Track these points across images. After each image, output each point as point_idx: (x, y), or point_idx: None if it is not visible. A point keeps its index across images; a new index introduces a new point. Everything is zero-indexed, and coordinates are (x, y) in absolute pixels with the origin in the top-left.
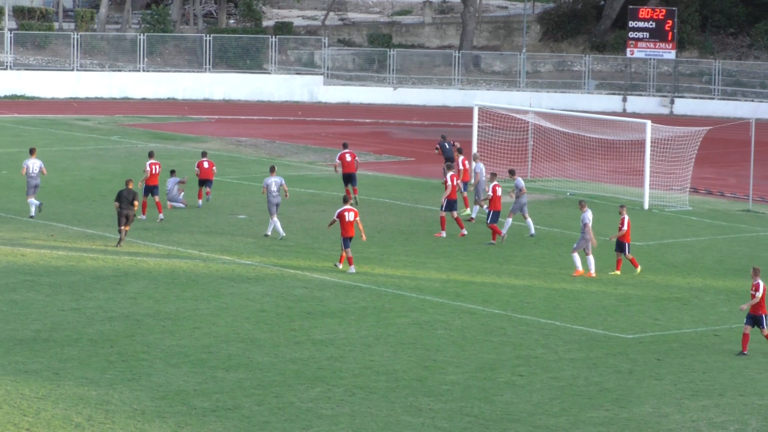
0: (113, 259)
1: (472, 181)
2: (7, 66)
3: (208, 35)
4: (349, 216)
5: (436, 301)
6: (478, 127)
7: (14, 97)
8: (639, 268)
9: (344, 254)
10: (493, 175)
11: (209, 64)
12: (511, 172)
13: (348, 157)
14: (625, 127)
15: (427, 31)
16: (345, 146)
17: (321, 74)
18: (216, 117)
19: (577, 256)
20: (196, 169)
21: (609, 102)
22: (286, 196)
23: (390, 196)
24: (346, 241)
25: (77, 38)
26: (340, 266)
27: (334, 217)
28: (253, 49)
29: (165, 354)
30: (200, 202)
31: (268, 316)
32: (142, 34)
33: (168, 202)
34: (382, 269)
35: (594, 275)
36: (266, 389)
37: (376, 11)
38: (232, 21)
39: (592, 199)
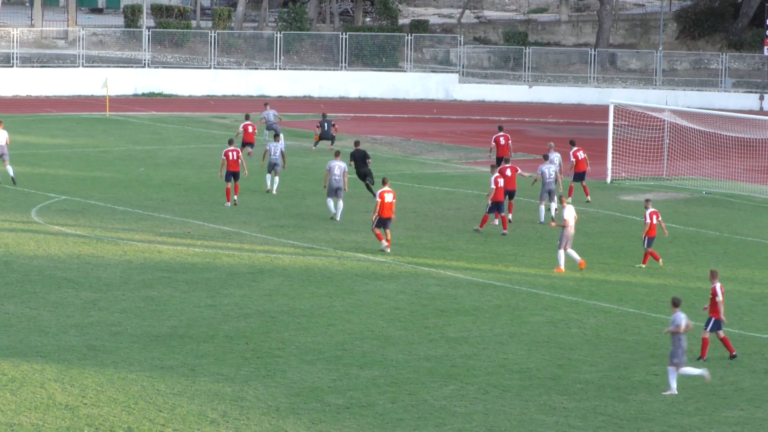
0: (249, 256)
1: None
2: (144, 64)
3: (344, 33)
4: (388, 197)
5: (570, 300)
6: (614, 125)
7: (152, 94)
8: (661, 261)
9: (380, 234)
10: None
11: (345, 62)
12: (545, 157)
13: (502, 141)
14: (762, 126)
15: (563, 29)
16: (500, 129)
17: (456, 72)
18: (351, 115)
19: (561, 253)
20: (240, 130)
21: (745, 100)
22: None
23: (524, 194)
24: (383, 221)
25: (214, 36)
26: (386, 247)
27: (377, 200)
28: (389, 47)
29: (300, 351)
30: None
31: (402, 314)
32: (278, 33)
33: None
34: (516, 267)
35: (563, 270)
36: (400, 387)
37: (512, 9)
38: (368, 19)
39: (728, 198)
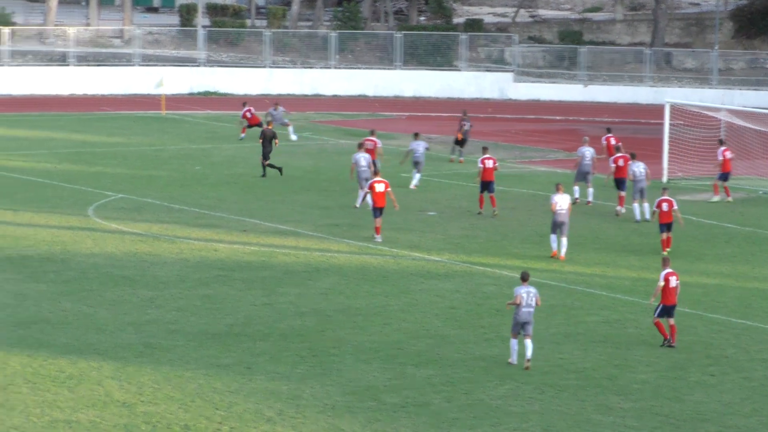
0: (305, 255)
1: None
2: (200, 63)
3: (398, 32)
4: (379, 187)
5: (626, 300)
6: (670, 124)
7: (207, 93)
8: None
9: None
10: (485, 149)
11: (400, 61)
12: (633, 156)
13: (613, 141)
14: None
15: (618, 28)
16: (608, 131)
17: (511, 71)
18: (406, 114)
19: (553, 238)
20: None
21: None
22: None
23: (579, 193)
24: (376, 211)
25: (269, 35)
26: (378, 238)
27: (366, 189)
28: (444, 46)
29: (355, 349)
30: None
31: (457, 313)
32: (333, 32)
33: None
34: (571, 267)
35: (562, 258)
36: (455, 386)
37: (566, 8)
38: (422, 18)
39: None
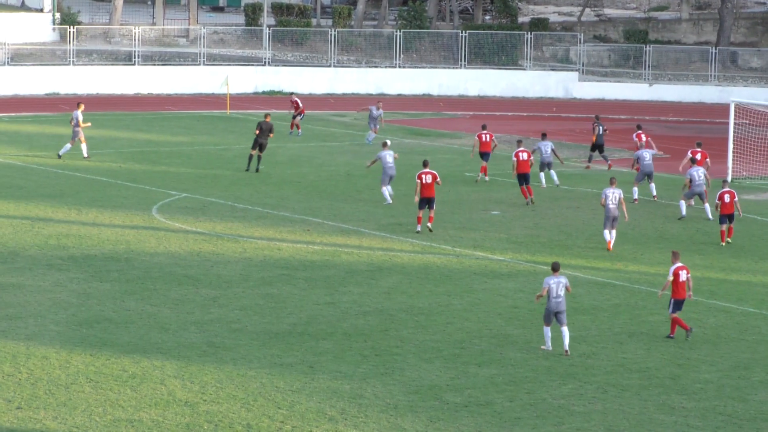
0: (367, 254)
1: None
2: (265, 62)
3: (463, 31)
4: (427, 178)
5: (690, 299)
6: (735, 124)
7: (272, 92)
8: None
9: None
10: (519, 142)
11: (464, 61)
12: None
13: (644, 137)
14: None
15: (684, 27)
16: (639, 128)
17: (576, 70)
18: (471, 113)
19: (606, 233)
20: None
21: None
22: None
23: (643, 192)
24: (422, 202)
25: (334, 35)
26: (420, 228)
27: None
28: (508, 45)
29: (418, 349)
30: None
31: (520, 313)
32: (398, 31)
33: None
34: (635, 266)
35: (610, 249)
36: (518, 385)
37: (632, 7)
38: (487, 17)
39: None
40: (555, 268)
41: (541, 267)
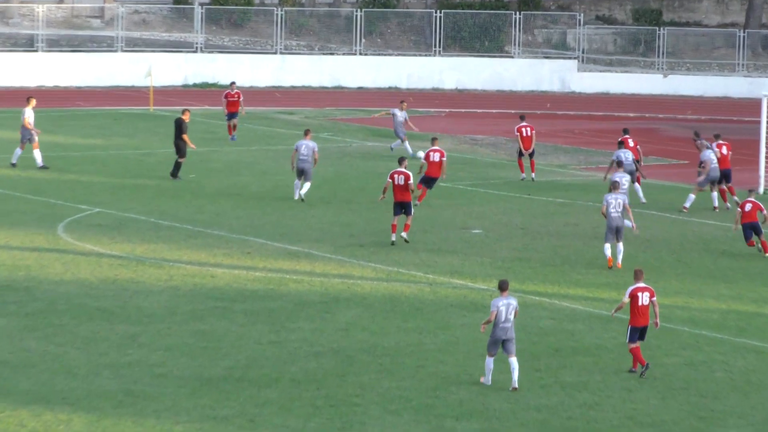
0: (321, 282)
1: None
2: (197, 48)
3: (438, 11)
4: (399, 179)
5: (714, 337)
6: None
7: (205, 85)
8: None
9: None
10: (434, 140)
11: (439, 46)
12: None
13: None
14: None
15: (705, 6)
16: (625, 132)
17: (575, 58)
18: (447, 110)
19: (607, 247)
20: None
21: None
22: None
23: (657, 206)
24: (396, 207)
25: (281, 15)
26: (395, 238)
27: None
28: (493, 28)
29: (382, 398)
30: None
31: None
32: (359, 10)
33: None
34: None
35: (619, 265)
36: None
37: None
38: None
39: None
40: (503, 288)
41: (533, 298)
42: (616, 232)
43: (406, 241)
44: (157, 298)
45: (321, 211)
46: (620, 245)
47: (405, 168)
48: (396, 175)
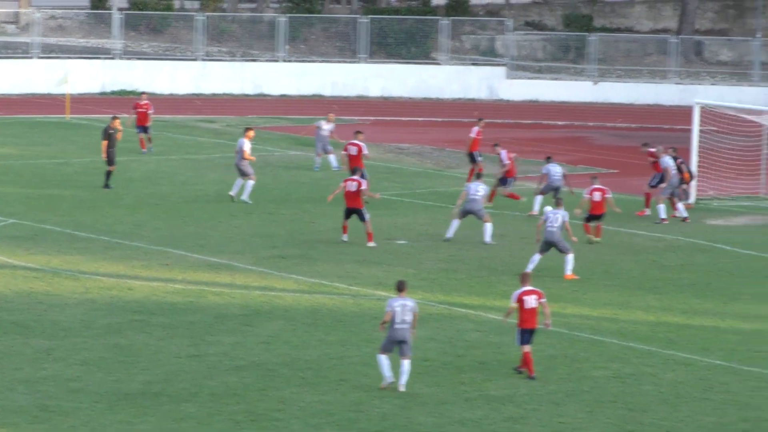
0: (242, 295)
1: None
2: (115, 55)
3: (363, 17)
4: (351, 186)
5: (642, 350)
6: (700, 131)
7: (123, 93)
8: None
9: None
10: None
11: (365, 53)
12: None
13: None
14: None
15: (638, 12)
16: (496, 146)
17: (503, 65)
18: (372, 118)
19: (535, 258)
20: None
21: None
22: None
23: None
24: (346, 212)
25: (202, 20)
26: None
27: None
28: (420, 34)
29: (304, 413)
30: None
31: (432, 367)
32: (282, 16)
33: None
34: (575, 309)
35: (572, 276)
36: None
37: None
38: None
39: None
40: (400, 288)
41: (458, 310)
42: (548, 246)
43: (373, 247)
44: (74, 311)
45: (242, 222)
46: (568, 257)
47: (359, 176)
48: (348, 182)
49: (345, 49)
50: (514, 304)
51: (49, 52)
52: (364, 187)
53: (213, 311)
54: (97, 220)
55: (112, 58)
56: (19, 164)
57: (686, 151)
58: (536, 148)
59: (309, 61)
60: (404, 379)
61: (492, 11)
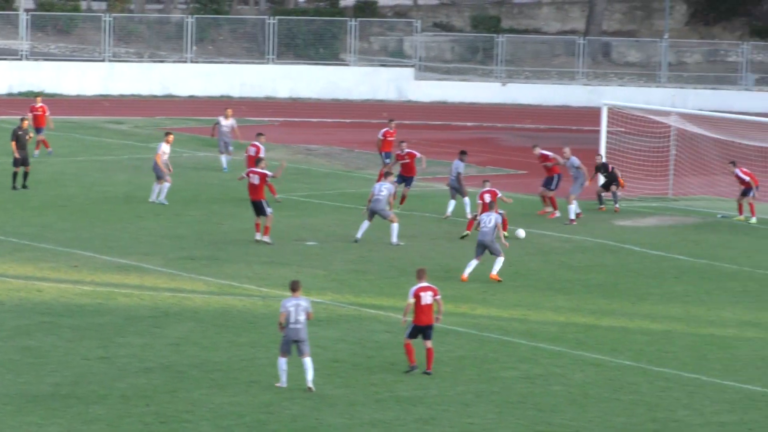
0: (151, 296)
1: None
2: (22, 56)
3: (271, 18)
4: (254, 178)
5: (552, 350)
6: (608, 132)
7: (31, 94)
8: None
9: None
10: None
11: (273, 54)
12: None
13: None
14: None
15: (545, 13)
16: (401, 146)
17: (412, 66)
18: (280, 119)
19: (472, 263)
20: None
21: None
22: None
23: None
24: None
25: (109, 21)
26: (258, 237)
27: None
28: (328, 35)
29: (214, 414)
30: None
31: (342, 368)
32: (189, 17)
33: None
34: (484, 309)
35: (493, 276)
36: None
37: None
38: (301, 0)
39: (751, 224)
40: (294, 288)
41: (368, 311)
42: (485, 248)
43: (267, 243)
44: None
45: (151, 224)
46: (498, 259)
47: (263, 168)
48: (251, 174)
49: (253, 50)
50: (411, 300)
51: None
52: (268, 179)
53: (122, 313)
54: (5, 221)
55: (19, 59)
56: None
57: (593, 153)
58: (445, 149)
59: (217, 62)
60: (310, 375)
61: (400, 12)
